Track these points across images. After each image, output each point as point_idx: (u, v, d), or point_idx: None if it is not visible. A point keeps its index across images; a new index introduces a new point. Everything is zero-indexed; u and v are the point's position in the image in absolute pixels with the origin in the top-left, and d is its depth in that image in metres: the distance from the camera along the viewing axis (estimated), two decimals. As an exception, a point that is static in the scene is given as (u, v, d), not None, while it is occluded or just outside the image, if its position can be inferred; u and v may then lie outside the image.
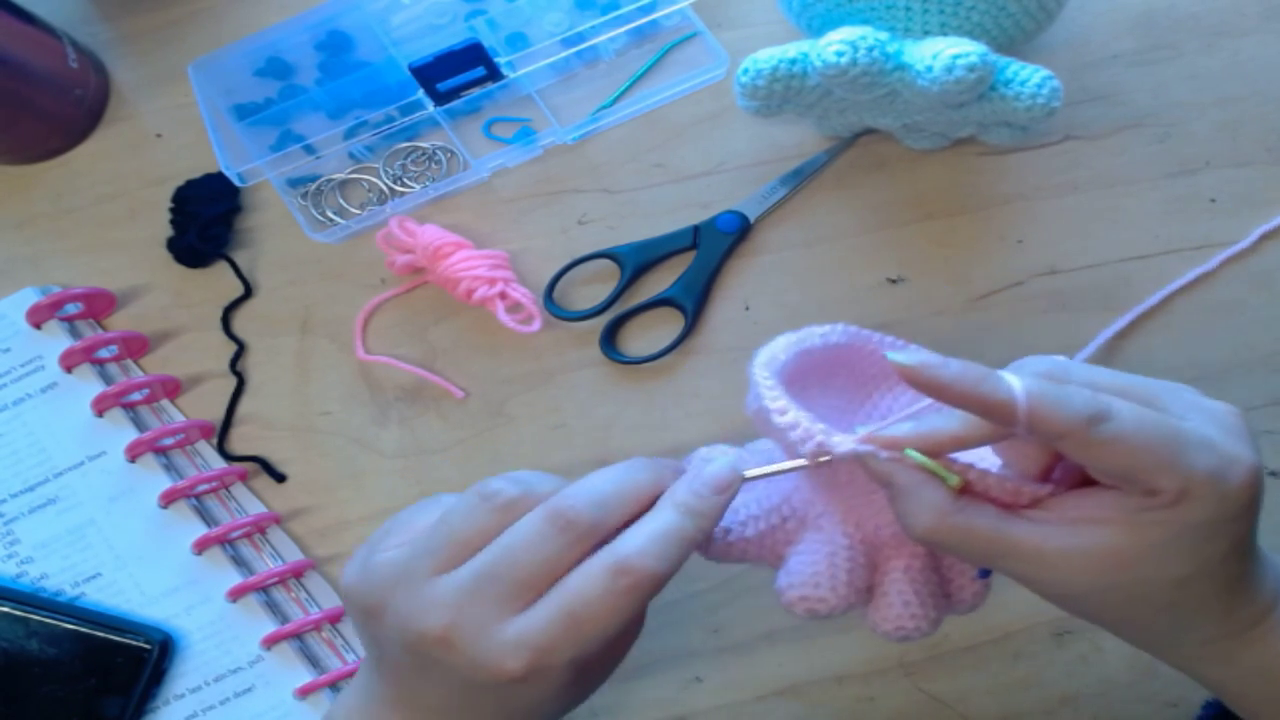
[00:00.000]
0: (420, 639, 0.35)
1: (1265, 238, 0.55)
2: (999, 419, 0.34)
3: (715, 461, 0.38)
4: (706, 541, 0.40)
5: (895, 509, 0.37)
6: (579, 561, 0.36)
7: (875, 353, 0.45)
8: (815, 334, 0.43)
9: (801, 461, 0.38)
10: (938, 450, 0.36)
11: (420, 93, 0.55)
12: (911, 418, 0.37)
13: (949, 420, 0.36)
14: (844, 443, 0.37)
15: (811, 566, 0.39)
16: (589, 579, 0.35)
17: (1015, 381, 0.33)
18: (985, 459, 0.39)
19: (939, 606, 0.40)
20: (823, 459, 0.37)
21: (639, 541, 0.35)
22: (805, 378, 0.44)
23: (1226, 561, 0.35)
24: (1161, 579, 0.34)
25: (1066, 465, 0.37)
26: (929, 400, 0.36)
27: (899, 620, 0.39)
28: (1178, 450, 0.33)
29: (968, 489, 0.36)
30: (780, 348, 0.42)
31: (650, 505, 0.37)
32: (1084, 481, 0.36)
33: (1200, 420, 0.34)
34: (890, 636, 0.39)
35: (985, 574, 0.41)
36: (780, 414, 0.38)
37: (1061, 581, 0.35)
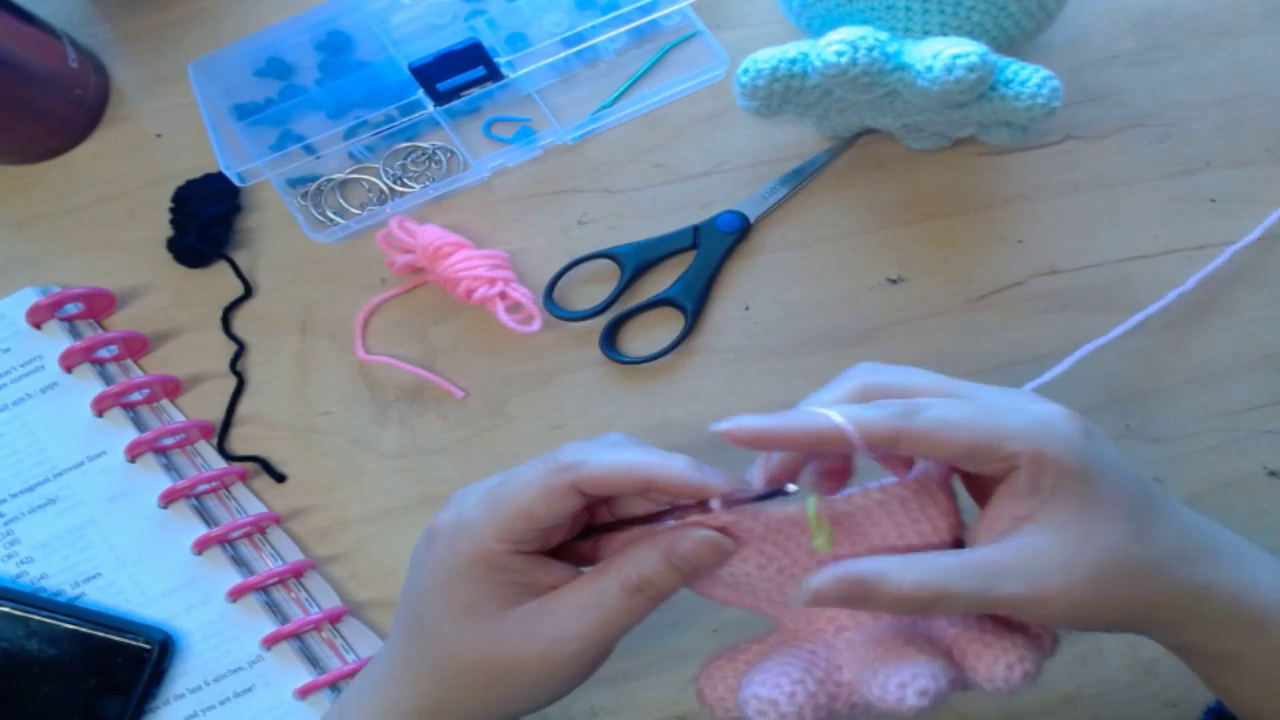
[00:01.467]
0: (428, 534, 0.40)
1: (1265, 237, 0.55)
2: (836, 448, 0.35)
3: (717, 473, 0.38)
4: (773, 707, 0.37)
5: (883, 601, 0.35)
6: (558, 502, 0.38)
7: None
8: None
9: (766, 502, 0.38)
10: (794, 464, 0.38)
11: (420, 93, 0.55)
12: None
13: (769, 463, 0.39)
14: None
15: (883, 662, 0.36)
16: (604, 584, 0.38)
17: (830, 412, 0.35)
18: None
19: (1016, 629, 0.37)
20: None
21: (582, 445, 0.38)
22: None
23: (1155, 505, 0.36)
24: (1122, 539, 0.35)
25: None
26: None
27: (1004, 659, 0.36)
28: (999, 418, 0.35)
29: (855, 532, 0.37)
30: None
31: (644, 487, 0.38)
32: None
33: (1002, 397, 0.37)
34: (1014, 682, 0.36)
35: None
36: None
37: (1058, 590, 0.35)
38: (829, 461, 0.39)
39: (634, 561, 0.38)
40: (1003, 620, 0.37)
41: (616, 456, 0.37)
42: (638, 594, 0.38)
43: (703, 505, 0.38)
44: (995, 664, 0.36)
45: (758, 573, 0.39)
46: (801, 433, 0.35)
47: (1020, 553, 0.35)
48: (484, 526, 0.38)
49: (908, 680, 0.34)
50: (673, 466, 0.37)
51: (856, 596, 0.35)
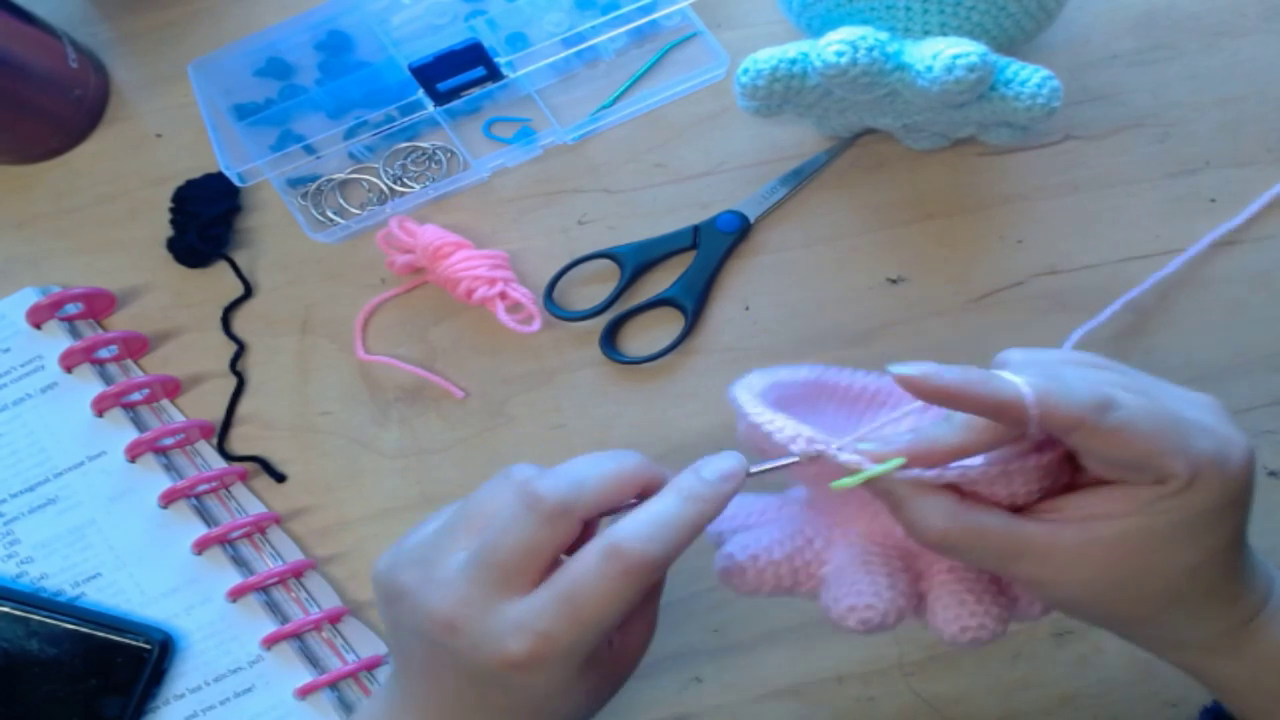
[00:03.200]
0: (430, 622, 0.36)
1: (1265, 237, 0.55)
2: (1009, 419, 0.33)
3: (721, 455, 0.38)
4: (739, 573, 0.39)
5: (901, 520, 0.36)
6: (563, 542, 0.36)
7: (853, 385, 0.45)
8: (783, 372, 0.43)
9: (808, 453, 0.37)
10: (940, 461, 0.36)
11: (420, 93, 0.55)
12: (909, 427, 0.37)
13: (951, 429, 0.36)
14: (838, 447, 0.36)
15: (852, 577, 0.38)
16: (584, 561, 0.35)
17: (1019, 380, 0.33)
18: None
19: (1001, 604, 0.38)
20: (816, 452, 0.36)
21: (633, 525, 0.35)
22: (788, 406, 0.43)
23: (1231, 548, 0.35)
24: (1173, 568, 0.34)
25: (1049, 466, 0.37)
26: (920, 406, 0.36)
27: (961, 621, 0.37)
28: (1184, 435, 0.33)
29: (960, 492, 0.36)
30: (755, 379, 0.42)
31: (637, 493, 0.37)
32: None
33: (1190, 407, 0.35)
34: (959, 640, 0.37)
35: None
36: (769, 423, 0.37)
37: (1075, 581, 0.35)
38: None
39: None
40: (993, 579, 0.38)
41: (606, 477, 0.36)
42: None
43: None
44: (953, 622, 0.37)
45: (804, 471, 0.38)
46: (981, 395, 0.33)
47: (1074, 543, 0.34)
48: (576, 640, 0.35)
49: (855, 602, 0.37)
50: (710, 503, 0.36)
51: (890, 499, 0.35)
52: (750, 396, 0.39)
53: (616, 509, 0.38)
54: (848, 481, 0.35)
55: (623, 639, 0.39)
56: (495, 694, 0.36)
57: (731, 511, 0.41)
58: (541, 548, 0.35)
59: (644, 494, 0.38)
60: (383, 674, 0.53)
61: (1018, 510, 0.36)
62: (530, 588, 0.35)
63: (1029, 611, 0.39)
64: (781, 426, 0.37)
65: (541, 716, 0.37)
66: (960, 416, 0.36)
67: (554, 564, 0.36)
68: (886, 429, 0.39)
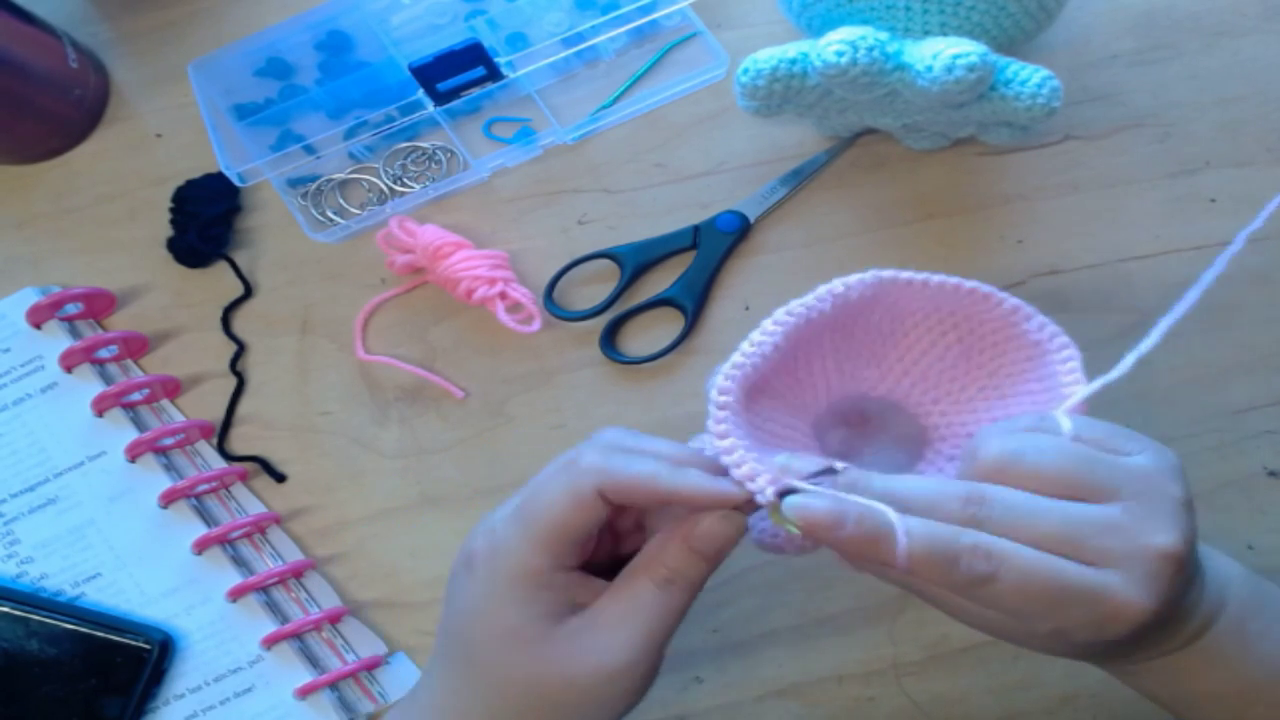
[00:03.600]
0: (464, 560, 0.39)
1: (1265, 237, 0.55)
2: (879, 557, 0.34)
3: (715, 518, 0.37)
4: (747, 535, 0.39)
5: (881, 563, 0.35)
6: (585, 505, 0.37)
7: (908, 288, 0.42)
8: (839, 284, 0.41)
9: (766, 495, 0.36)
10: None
11: (420, 93, 0.55)
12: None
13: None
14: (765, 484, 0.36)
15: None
16: (637, 590, 0.38)
17: (901, 540, 0.33)
18: None
19: None
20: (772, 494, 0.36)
21: (602, 449, 0.38)
22: (828, 329, 0.42)
23: (1146, 627, 0.34)
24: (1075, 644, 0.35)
25: None
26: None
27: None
28: (1056, 604, 0.33)
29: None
30: (773, 322, 0.40)
31: (664, 501, 0.38)
32: None
33: (1106, 529, 0.33)
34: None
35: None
36: (725, 451, 0.37)
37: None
38: None
39: (659, 556, 0.38)
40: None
41: (637, 467, 0.36)
42: (670, 587, 0.37)
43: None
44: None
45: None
46: (861, 552, 0.33)
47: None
48: (521, 545, 0.37)
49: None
50: (688, 482, 0.36)
51: (863, 551, 0.35)
52: (723, 407, 0.39)
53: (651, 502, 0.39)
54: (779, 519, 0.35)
55: (595, 623, 0.38)
56: (449, 610, 0.40)
57: None
58: (563, 504, 0.37)
59: (687, 507, 0.38)
60: (382, 674, 0.54)
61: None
62: (561, 555, 0.37)
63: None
64: (740, 463, 0.37)
65: (495, 635, 0.38)
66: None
67: (585, 541, 0.38)
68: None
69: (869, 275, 0.41)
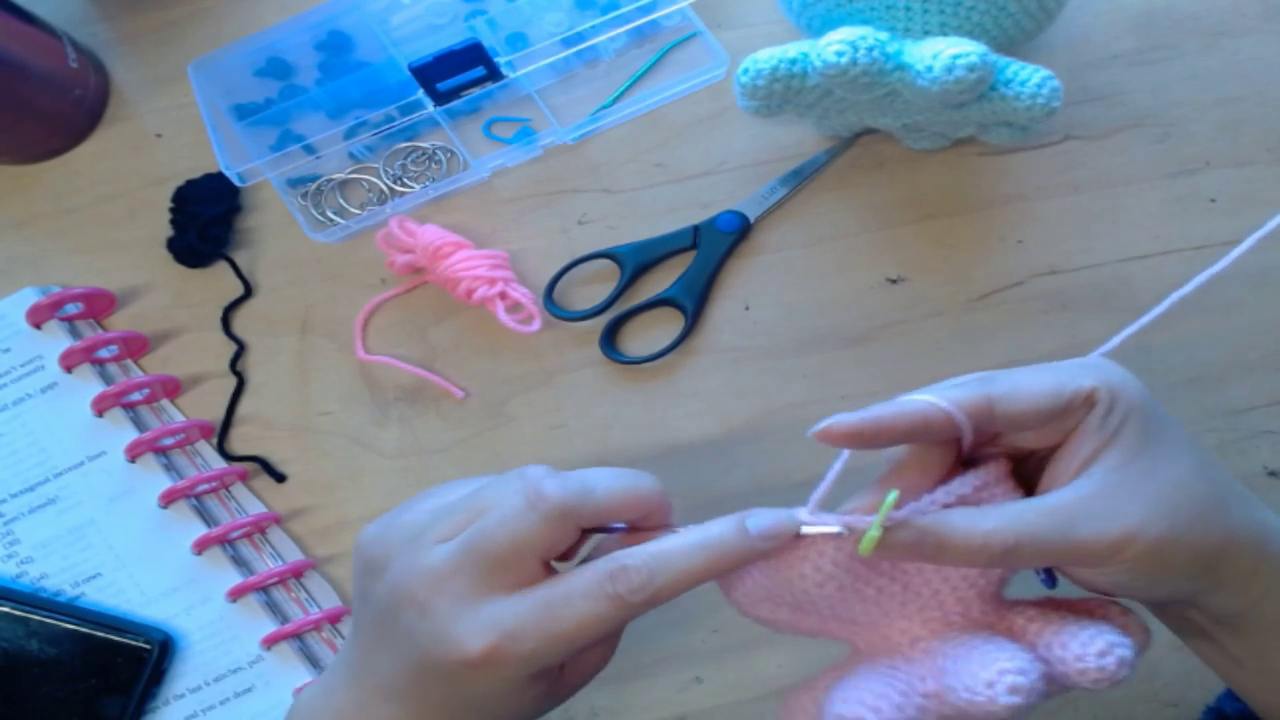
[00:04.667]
0: (405, 599, 0.35)
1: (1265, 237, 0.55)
2: (939, 431, 0.35)
3: (778, 512, 0.36)
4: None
5: (952, 558, 0.34)
6: (557, 546, 0.35)
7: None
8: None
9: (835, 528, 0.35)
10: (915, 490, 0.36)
11: (420, 93, 0.55)
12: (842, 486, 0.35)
13: (910, 458, 0.37)
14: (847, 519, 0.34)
15: (986, 656, 0.34)
16: (580, 577, 0.34)
17: (929, 397, 0.35)
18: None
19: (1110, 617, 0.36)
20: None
21: (646, 555, 0.34)
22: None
23: (1204, 450, 0.36)
24: (1183, 474, 0.35)
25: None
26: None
27: (1097, 645, 0.34)
28: (1062, 371, 0.36)
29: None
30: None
31: (642, 517, 0.37)
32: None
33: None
34: (1106, 670, 0.34)
35: (1050, 583, 0.39)
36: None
37: (1137, 527, 0.33)
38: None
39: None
40: (1084, 609, 0.37)
41: (614, 487, 0.36)
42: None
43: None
44: (1088, 646, 0.34)
45: (817, 590, 0.36)
46: (905, 419, 0.34)
47: (1094, 493, 0.34)
48: (539, 650, 0.34)
49: (995, 677, 0.32)
50: (734, 558, 0.35)
51: (928, 546, 0.34)
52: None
53: (608, 528, 0.37)
54: (867, 543, 0.33)
55: (578, 659, 0.38)
56: (437, 687, 0.36)
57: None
58: (534, 546, 0.35)
59: (648, 521, 0.37)
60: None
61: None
62: (513, 588, 0.35)
63: (1130, 630, 0.36)
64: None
65: (480, 716, 0.37)
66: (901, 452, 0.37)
67: (543, 568, 0.36)
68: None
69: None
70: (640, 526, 0.37)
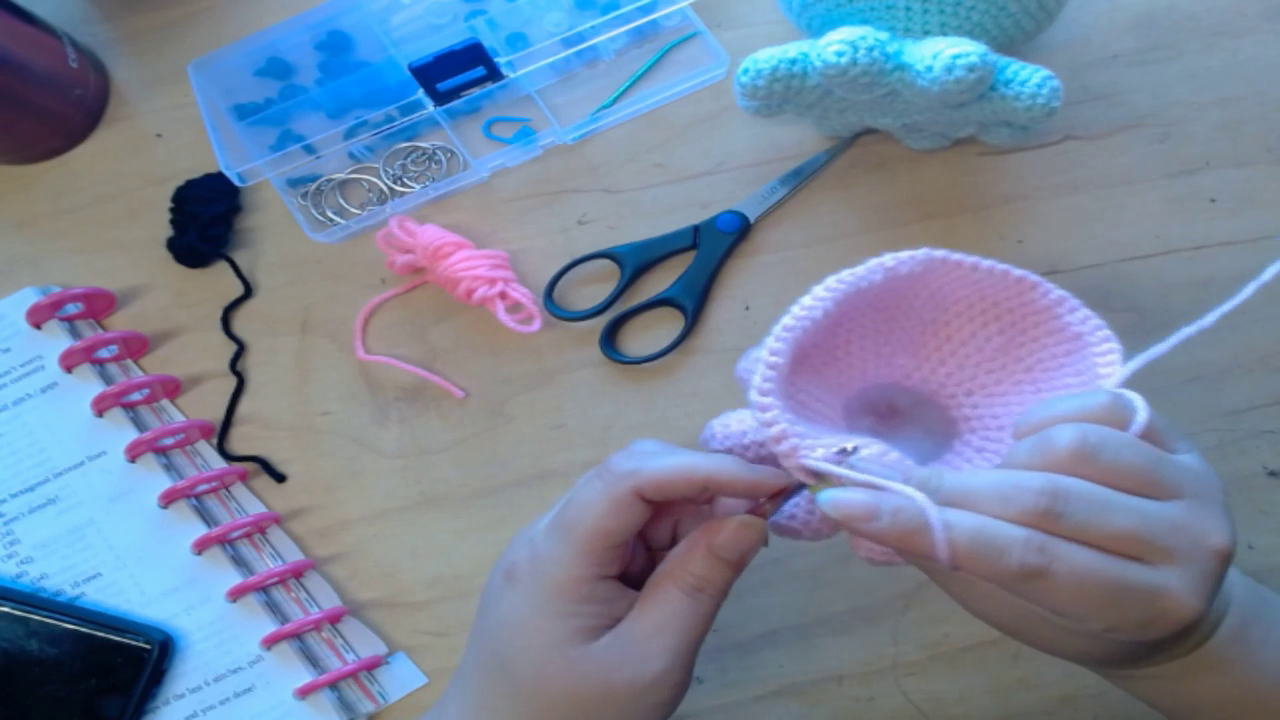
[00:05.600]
0: (501, 568, 0.40)
1: (1264, 237, 0.55)
2: (923, 555, 0.33)
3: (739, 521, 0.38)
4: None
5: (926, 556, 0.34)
6: (623, 511, 0.37)
7: (956, 270, 0.41)
8: (889, 259, 0.40)
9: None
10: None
11: (420, 93, 0.55)
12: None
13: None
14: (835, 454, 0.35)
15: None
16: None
17: (940, 536, 0.32)
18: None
19: None
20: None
21: (633, 450, 0.38)
22: (871, 308, 0.42)
23: (1190, 627, 0.34)
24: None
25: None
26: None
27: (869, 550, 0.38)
28: (1110, 606, 0.32)
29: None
30: (822, 290, 0.40)
31: (706, 489, 0.38)
32: None
33: (1163, 530, 0.32)
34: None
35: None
36: (767, 422, 0.36)
37: (983, 613, 0.36)
38: None
39: (685, 564, 0.38)
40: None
41: (672, 460, 0.37)
42: (699, 595, 0.38)
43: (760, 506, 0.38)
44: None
45: None
46: (899, 546, 0.33)
47: (977, 591, 0.35)
48: (564, 554, 0.37)
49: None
50: (726, 466, 0.37)
51: (913, 548, 0.34)
52: (768, 381, 0.38)
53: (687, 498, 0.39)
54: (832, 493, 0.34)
55: (632, 635, 0.38)
56: (491, 630, 0.39)
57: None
58: (600, 509, 0.37)
59: (720, 491, 0.38)
60: (382, 674, 0.54)
61: None
62: (581, 544, 0.37)
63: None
64: (794, 445, 0.36)
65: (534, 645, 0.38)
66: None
67: (624, 547, 0.38)
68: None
69: (920, 253, 0.40)
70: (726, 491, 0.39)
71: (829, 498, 0.33)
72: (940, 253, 0.40)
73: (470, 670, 0.41)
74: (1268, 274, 0.38)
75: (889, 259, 0.40)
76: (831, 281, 0.39)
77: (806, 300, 0.40)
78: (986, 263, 0.40)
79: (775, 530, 0.40)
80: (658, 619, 0.37)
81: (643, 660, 0.37)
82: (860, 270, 0.40)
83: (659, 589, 0.38)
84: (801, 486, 0.37)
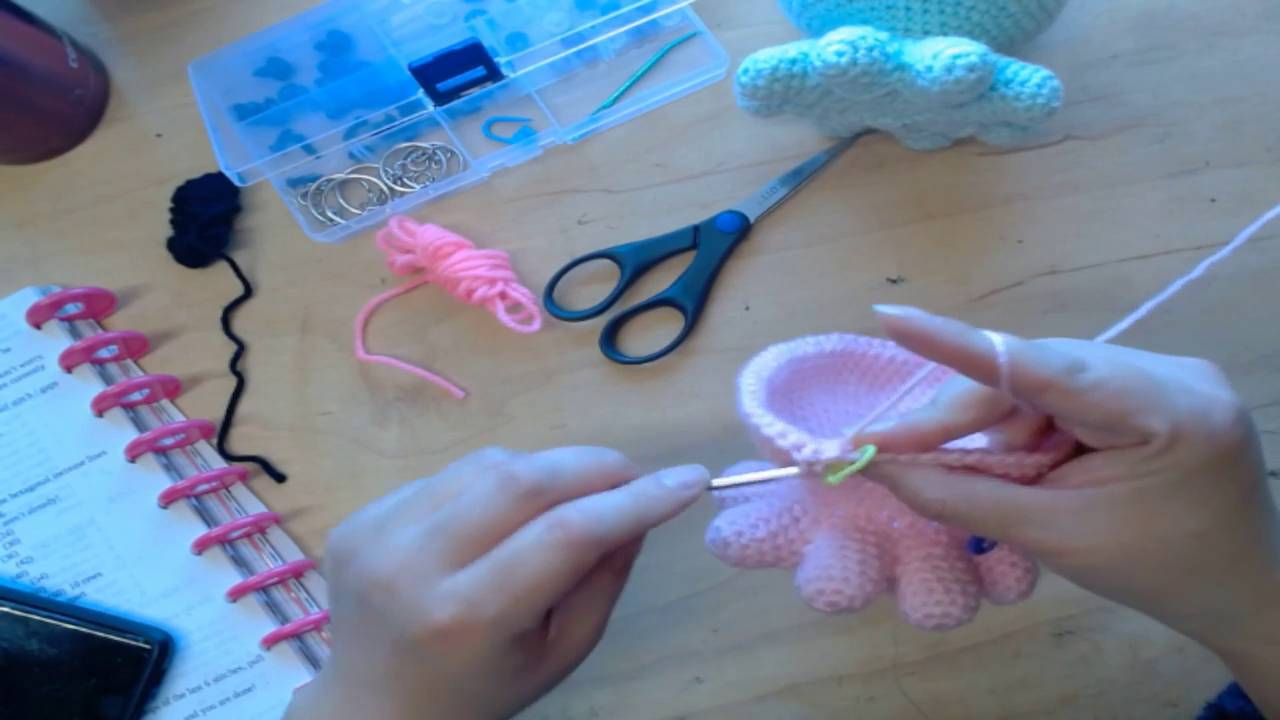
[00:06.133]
0: (370, 583, 0.36)
1: (1264, 237, 0.55)
2: (981, 374, 0.34)
3: (685, 467, 0.39)
4: (724, 547, 0.40)
5: (901, 497, 0.36)
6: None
7: (880, 356, 0.46)
8: (808, 342, 0.44)
9: (776, 472, 0.38)
10: (927, 443, 0.36)
11: (420, 93, 0.55)
12: (894, 412, 0.37)
13: (934, 410, 0.36)
14: (830, 448, 0.36)
15: (825, 560, 0.38)
16: (525, 533, 0.35)
17: (996, 338, 0.33)
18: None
19: (969, 593, 0.39)
20: (816, 465, 0.36)
21: (581, 504, 0.36)
22: (807, 382, 0.45)
23: (1243, 512, 0.34)
24: (1179, 532, 0.33)
25: (1056, 441, 0.37)
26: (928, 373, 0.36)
27: (926, 608, 0.38)
28: (1158, 393, 0.33)
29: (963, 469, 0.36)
30: (771, 357, 0.43)
31: (609, 489, 0.38)
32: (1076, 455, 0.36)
33: (1173, 369, 0.35)
34: (923, 625, 0.38)
35: (984, 547, 0.40)
36: (764, 425, 0.38)
37: (1082, 548, 0.34)
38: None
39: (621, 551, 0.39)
40: (968, 567, 0.39)
41: (625, 515, 0.37)
42: (625, 572, 0.39)
43: None
44: (919, 609, 0.38)
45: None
46: (956, 345, 0.33)
47: (1074, 508, 0.34)
48: (519, 618, 0.35)
49: (826, 589, 0.38)
50: (658, 506, 0.37)
51: (887, 478, 0.36)
52: (754, 387, 0.40)
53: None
54: (835, 478, 0.36)
55: (563, 630, 0.39)
56: (415, 667, 0.36)
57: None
58: (506, 527, 0.36)
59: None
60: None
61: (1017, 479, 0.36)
62: (539, 606, 0.36)
63: (1005, 595, 0.40)
64: (782, 432, 0.37)
65: (460, 698, 0.37)
66: (944, 398, 0.36)
67: None
68: (901, 405, 0.40)
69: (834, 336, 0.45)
70: None
71: (888, 307, 0.34)
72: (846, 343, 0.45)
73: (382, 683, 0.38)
74: (1195, 273, 0.39)
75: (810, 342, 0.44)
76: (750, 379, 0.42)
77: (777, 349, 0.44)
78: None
79: (714, 548, 0.41)
80: (588, 599, 0.39)
81: (578, 645, 0.39)
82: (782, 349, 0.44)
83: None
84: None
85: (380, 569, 0.36)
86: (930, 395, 0.39)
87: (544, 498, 0.36)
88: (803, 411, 0.46)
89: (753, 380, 0.41)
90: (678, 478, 0.38)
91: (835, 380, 0.46)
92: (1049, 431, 0.37)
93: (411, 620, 0.35)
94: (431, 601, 0.35)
